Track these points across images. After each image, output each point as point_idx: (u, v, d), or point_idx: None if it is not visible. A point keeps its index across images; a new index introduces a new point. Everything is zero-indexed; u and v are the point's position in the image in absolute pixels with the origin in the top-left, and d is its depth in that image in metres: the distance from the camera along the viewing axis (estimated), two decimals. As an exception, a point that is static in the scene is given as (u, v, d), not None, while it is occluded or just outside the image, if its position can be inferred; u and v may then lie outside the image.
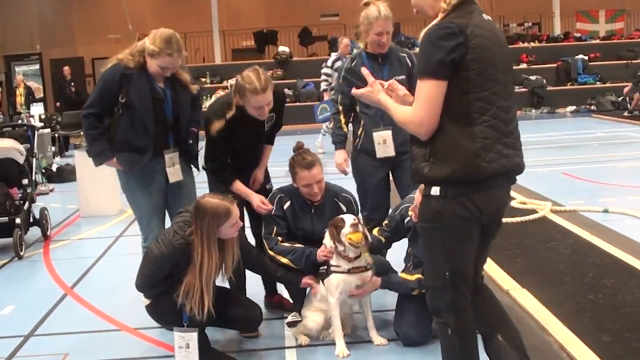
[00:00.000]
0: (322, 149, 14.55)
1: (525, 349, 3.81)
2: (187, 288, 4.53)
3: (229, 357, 4.85)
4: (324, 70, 14.59)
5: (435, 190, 3.38)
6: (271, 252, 5.19)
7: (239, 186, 5.34)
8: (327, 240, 4.98)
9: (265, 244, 5.25)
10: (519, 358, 3.78)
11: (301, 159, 5.20)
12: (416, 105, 3.36)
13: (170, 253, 4.62)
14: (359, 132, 5.82)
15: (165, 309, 4.76)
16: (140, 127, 5.21)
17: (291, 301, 5.49)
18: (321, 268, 5.04)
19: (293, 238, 5.26)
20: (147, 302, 4.89)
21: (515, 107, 3.57)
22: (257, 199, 5.30)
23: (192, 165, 5.54)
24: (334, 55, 14.75)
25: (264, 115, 5.18)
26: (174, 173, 5.37)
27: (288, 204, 5.26)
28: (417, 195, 4.60)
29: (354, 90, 3.68)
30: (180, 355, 4.65)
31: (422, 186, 4.45)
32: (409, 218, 4.95)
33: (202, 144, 5.41)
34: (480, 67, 3.31)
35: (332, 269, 4.95)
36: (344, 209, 5.27)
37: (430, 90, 3.30)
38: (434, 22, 3.40)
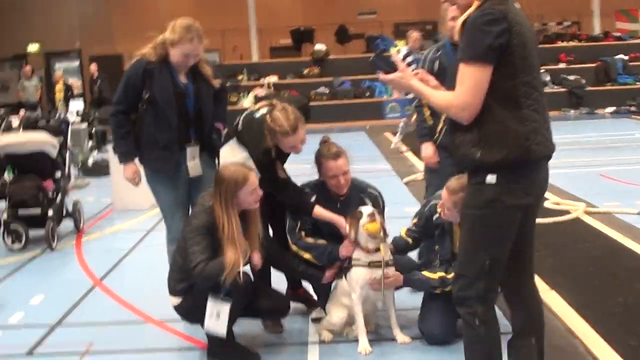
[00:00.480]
0: (400, 145, 14.73)
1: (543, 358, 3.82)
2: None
3: (252, 352, 4.86)
4: None
5: (491, 179, 3.39)
6: (294, 247, 5.19)
7: (320, 212, 5.18)
8: (345, 231, 4.98)
9: (289, 238, 5.24)
10: None
11: (327, 150, 5.19)
12: (460, 90, 3.37)
13: (198, 225, 4.65)
14: (438, 128, 5.67)
15: (196, 303, 4.75)
16: (163, 121, 5.25)
17: (315, 296, 5.48)
18: (345, 263, 5.03)
19: (318, 234, 5.24)
20: (176, 302, 4.88)
21: None
22: (343, 221, 5.12)
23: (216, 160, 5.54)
24: (404, 50, 14.38)
25: (299, 151, 5.13)
26: (194, 167, 5.39)
27: (313, 199, 5.24)
28: (443, 193, 4.58)
29: (382, 76, 3.61)
30: (210, 322, 4.65)
31: (452, 183, 4.45)
32: (437, 215, 4.91)
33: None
34: (523, 53, 3.37)
35: (353, 262, 4.94)
36: (370, 204, 5.24)
37: (476, 75, 3.33)
38: (471, 9, 3.41)
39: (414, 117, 5.74)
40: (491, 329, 3.58)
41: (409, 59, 12.71)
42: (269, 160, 5.08)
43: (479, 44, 3.32)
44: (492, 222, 3.45)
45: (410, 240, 5.18)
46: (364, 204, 5.21)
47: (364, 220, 4.86)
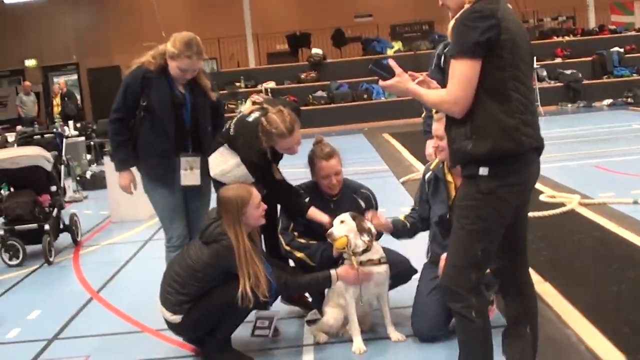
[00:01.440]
0: None
1: (536, 350, 3.89)
2: (250, 287, 4.61)
3: (246, 357, 4.87)
4: None
5: (484, 171, 3.47)
6: (287, 248, 5.21)
7: (314, 213, 5.20)
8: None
9: (282, 239, 5.25)
10: (532, 358, 3.87)
11: (320, 150, 5.23)
12: (451, 85, 3.48)
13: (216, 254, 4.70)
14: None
15: (199, 320, 4.77)
16: (160, 130, 5.29)
17: (310, 299, 5.51)
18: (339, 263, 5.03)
19: (311, 235, 5.25)
20: (176, 319, 4.82)
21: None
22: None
23: None
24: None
25: (295, 152, 5.18)
26: (188, 176, 5.39)
27: (307, 200, 5.26)
28: (435, 124, 4.86)
29: (381, 82, 3.72)
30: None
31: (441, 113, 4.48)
32: (429, 172, 5.05)
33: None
34: (512, 47, 3.47)
35: (345, 262, 4.95)
36: (363, 204, 5.27)
37: (465, 70, 3.43)
38: (462, 10, 3.53)
39: (423, 114, 5.77)
40: (486, 320, 3.64)
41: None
42: (265, 162, 5.11)
43: (466, 39, 3.43)
44: (485, 214, 3.52)
45: (408, 224, 5.19)
46: (358, 204, 5.24)
47: (330, 238, 4.87)
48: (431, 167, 5.12)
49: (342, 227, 4.84)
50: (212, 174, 5.35)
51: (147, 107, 5.26)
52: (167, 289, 4.85)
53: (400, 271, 5.23)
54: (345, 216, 4.89)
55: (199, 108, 5.39)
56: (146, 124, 5.29)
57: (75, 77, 28.15)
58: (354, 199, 5.31)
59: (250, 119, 5.16)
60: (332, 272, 4.88)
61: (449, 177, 4.94)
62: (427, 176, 5.11)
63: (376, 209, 5.34)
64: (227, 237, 4.65)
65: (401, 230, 5.19)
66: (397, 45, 25.15)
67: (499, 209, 3.52)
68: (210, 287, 4.73)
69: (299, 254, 5.17)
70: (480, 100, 3.46)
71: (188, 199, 5.53)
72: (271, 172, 5.20)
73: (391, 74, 3.64)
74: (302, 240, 5.21)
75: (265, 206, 4.87)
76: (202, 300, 4.74)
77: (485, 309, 3.66)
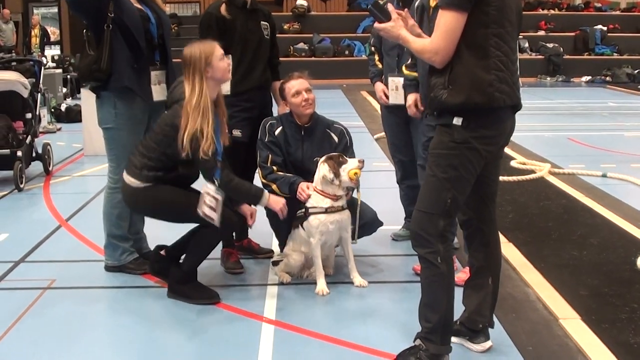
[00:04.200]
0: None
1: (496, 302, 4.02)
2: (190, 135, 4.58)
3: (212, 291, 4.92)
4: None
5: (457, 120, 3.56)
6: (264, 180, 5.22)
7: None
8: (324, 171, 4.97)
9: (260, 172, 5.27)
10: (490, 308, 4.00)
11: (288, 76, 5.33)
12: (435, 35, 3.55)
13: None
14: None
15: (161, 195, 4.79)
16: (133, 45, 5.07)
17: (259, 244, 5.68)
18: (298, 212, 5.09)
19: (285, 168, 5.27)
20: (138, 184, 4.77)
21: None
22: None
23: None
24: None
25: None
26: (159, 91, 5.24)
27: (279, 129, 5.27)
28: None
29: (376, 25, 3.78)
30: (205, 210, 4.65)
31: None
32: None
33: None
34: (499, 5, 3.52)
35: (310, 210, 5.01)
36: (336, 138, 5.32)
37: (449, 21, 3.49)
38: None
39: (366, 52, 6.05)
40: (450, 266, 3.73)
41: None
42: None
43: None
44: (457, 162, 3.59)
45: (415, 73, 5.16)
46: (330, 138, 5.31)
47: (353, 165, 4.94)
48: None
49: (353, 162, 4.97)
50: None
51: (115, 20, 4.98)
52: (134, 153, 4.88)
53: (367, 222, 5.31)
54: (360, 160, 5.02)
55: (163, 21, 5.29)
56: (117, 39, 5.00)
57: (55, 10, 27.68)
58: (327, 133, 5.34)
59: None
60: (266, 193, 4.95)
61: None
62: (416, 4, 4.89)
63: (350, 144, 5.37)
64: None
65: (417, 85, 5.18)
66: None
67: (471, 158, 3.59)
68: (173, 160, 4.73)
69: (273, 186, 5.18)
70: (460, 53, 3.53)
71: (152, 118, 5.26)
72: None
73: (388, 17, 3.70)
74: (280, 173, 5.21)
75: (229, 61, 4.91)
76: (161, 187, 4.77)
77: (450, 256, 3.74)
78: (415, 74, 5.12)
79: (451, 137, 3.58)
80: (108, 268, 5.40)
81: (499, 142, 3.71)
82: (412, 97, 5.27)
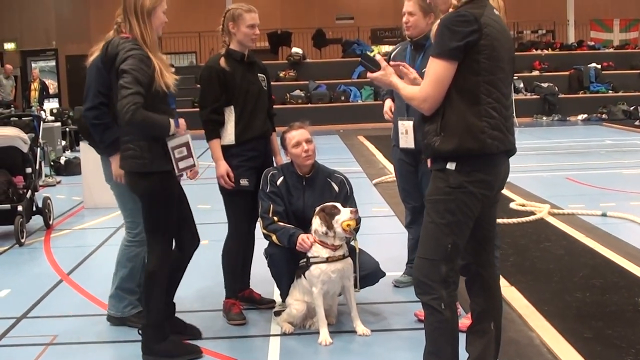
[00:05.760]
0: None
1: (499, 348, 3.99)
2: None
3: (193, 346, 4.81)
4: None
5: (451, 165, 3.61)
6: (265, 231, 5.23)
7: (215, 146, 5.31)
8: (316, 225, 5.01)
9: (261, 223, 5.28)
10: (494, 354, 3.97)
11: (289, 127, 5.38)
12: (424, 82, 3.64)
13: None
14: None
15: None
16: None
17: (260, 294, 5.68)
18: (301, 262, 5.10)
19: (286, 218, 5.28)
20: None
21: (512, 96, 3.85)
22: (223, 169, 5.25)
23: None
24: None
25: (256, 35, 5.42)
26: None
27: (281, 179, 5.31)
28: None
29: (369, 74, 3.89)
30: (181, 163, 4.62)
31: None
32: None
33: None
34: (490, 53, 3.59)
35: (311, 260, 5.02)
36: (336, 188, 5.35)
37: (439, 70, 3.57)
38: (449, 12, 3.68)
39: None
40: (454, 313, 3.73)
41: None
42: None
43: (446, 42, 3.55)
44: (454, 207, 3.62)
45: None
46: (331, 187, 5.34)
47: (345, 216, 4.95)
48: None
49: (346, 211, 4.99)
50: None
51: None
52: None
53: (369, 273, 5.32)
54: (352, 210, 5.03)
55: None
56: None
57: (53, 63, 27.94)
58: (328, 183, 5.37)
59: None
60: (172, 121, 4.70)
61: None
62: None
63: (350, 193, 5.41)
64: (139, 48, 4.56)
65: None
66: (377, 49, 25.26)
67: (467, 202, 3.62)
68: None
69: (274, 237, 5.20)
70: (451, 99, 3.59)
71: None
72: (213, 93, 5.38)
73: (377, 67, 3.82)
74: (280, 224, 5.22)
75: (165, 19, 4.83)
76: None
77: (454, 302, 3.74)
78: None
79: (446, 182, 3.62)
80: (110, 319, 5.39)
81: (493, 186, 3.74)
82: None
